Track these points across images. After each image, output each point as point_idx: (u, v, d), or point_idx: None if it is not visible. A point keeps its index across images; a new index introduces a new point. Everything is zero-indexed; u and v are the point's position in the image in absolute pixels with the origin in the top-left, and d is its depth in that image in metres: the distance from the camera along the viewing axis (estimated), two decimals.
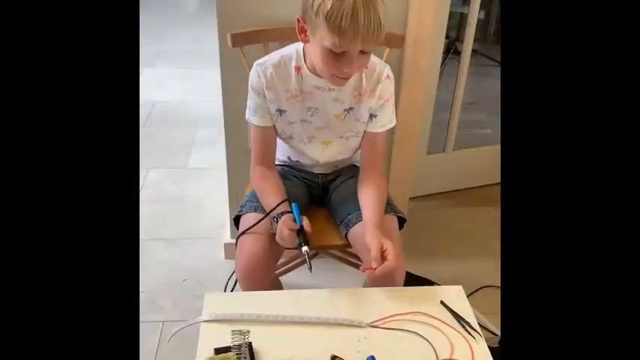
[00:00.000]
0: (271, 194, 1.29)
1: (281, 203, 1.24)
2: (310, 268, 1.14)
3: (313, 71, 1.25)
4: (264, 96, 1.28)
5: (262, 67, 1.27)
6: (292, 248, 1.21)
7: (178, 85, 3.29)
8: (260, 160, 1.35)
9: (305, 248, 1.16)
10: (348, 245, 1.38)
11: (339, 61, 1.13)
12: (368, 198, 1.29)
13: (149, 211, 2.18)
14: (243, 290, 1.27)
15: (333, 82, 1.21)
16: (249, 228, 1.28)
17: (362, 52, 1.13)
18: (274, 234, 1.24)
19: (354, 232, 1.32)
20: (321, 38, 1.11)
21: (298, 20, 1.16)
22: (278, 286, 1.43)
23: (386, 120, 1.33)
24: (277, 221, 1.22)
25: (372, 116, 1.32)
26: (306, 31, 1.16)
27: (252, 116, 1.32)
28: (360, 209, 1.31)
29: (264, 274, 1.28)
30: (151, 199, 2.27)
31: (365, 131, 1.34)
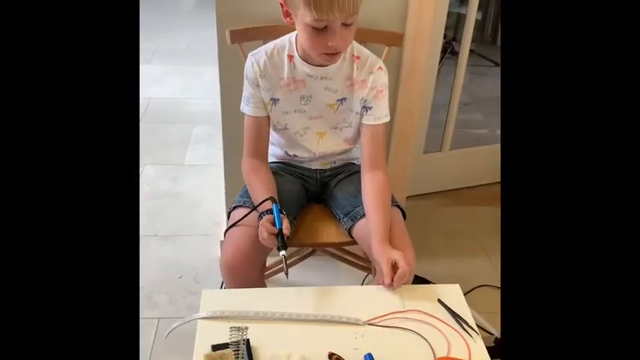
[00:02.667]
0: (259, 189, 1.27)
1: (266, 200, 1.22)
2: (287, 274, 1.11)
3: (305, 59, 1.26)
4: (258, 85, 1.28)
5: (256, 56, 1.28)
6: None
7: (175, 81, 3.28)
8: (252, 151, 1.34)
9: (283, 253, 1.13)
10: (351, 242, 1.37)
11: (323, 37, 1.13)
12: (372, 206, 1.25)
13: (145, 207, 2.18)
14: (228, 285, 1.26)
15: (323, 60, 1.20)
16: (236, 223, 1.28)
17: (344, 24, 1.13)
18: None
19: (361, 227, 1.30)
20: (302, 16, 1.12)
21: (282, 5, 1.17)
22: (262, 286, 1.39)
23: (382, 112, 1.32)
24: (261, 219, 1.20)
25: (366, 108, 1.31)
26: (290, 14, 1.17)
27: (245, 106, 1.32)
28: None
29: (248, 270, 1.27)
30: (147, 196, 2.26)
31: (363, 124, 1.33)
